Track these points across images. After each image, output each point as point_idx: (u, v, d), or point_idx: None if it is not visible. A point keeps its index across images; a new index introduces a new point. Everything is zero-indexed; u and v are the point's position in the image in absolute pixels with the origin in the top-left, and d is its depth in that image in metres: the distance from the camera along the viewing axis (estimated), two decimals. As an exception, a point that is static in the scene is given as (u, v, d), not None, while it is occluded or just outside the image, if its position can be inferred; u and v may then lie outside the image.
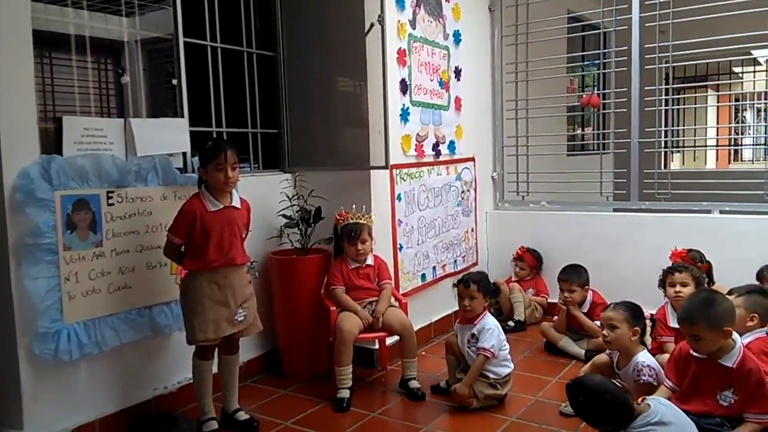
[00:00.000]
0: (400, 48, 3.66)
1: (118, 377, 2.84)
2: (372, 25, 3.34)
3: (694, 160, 10.22)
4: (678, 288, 3.19)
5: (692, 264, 3.43)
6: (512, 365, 3.10)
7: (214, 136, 3.36)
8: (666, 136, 4.58)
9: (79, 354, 2.58)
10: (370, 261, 3.37)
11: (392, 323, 3.22)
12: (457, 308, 3.19)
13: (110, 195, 2.73)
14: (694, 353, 2.45)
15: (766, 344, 2.72)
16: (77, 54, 2.82)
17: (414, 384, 3.21)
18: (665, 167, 5.76)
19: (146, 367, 2.96)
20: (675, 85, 4.80)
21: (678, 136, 6.26)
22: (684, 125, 8.26)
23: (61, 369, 2.58)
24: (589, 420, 2.20)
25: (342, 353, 3.10)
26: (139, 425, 1.61)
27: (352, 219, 3.32)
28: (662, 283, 3.33)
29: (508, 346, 3.10)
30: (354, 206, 3.38)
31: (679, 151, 8.38)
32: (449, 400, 3.07)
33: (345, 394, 3.09)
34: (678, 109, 6.17)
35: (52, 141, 2.57)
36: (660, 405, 2.16)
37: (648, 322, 2.87)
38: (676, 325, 2.92)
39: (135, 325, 2.83)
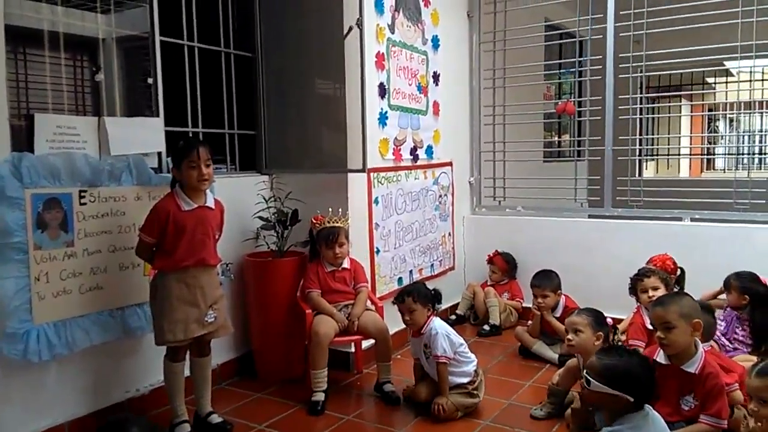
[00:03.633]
0: (378, 52, 3.68)
1: (89, 379, 2.80)
2: (350, 28, 3.34)
3: (668, 168, 10.40)
4: (650, 293, 3.24)
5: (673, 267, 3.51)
6: (475, 358, 3.11)
7: (190, 135, 3.33)
8: (639, 145, 4.65)
9: (49, 355, 2.54)
10: (346, 264, 3.36)
11: (368, 327, 3.22)
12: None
13: (83, 194, 2.70)
14: (659, 359, 2.52)
15: (716, 356, 2.79)
16: (51, 50, 2.78)
17: (389, 387, 3.21)
18: (639, 175, 5.85)
19: (118, 369, 2.92)
20: (648, 95, 4.87)
21: (651, 145, 6.36)
22: (658, 134, 8.41)
23: (30, 370, 2.54)
24: (615, 377, 2.19)
25: (317, 356, 3.09)
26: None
27: (329, 222, 3.31)
28: (633, 290, 3.39)
29: (463, 342, 3.09)
30: (330, 209, 3.37)
31: (653, 160, 8.51)
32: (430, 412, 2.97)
33: (320, 397, 3.08)
34: (652, 118, 6.27)
35: (23, 138, 2.53)
36: (651, 410, 2.23)
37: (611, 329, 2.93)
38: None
39: (106, 327, 2.79)
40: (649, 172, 10.27)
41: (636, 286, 3.35)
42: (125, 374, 2.95)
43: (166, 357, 2.76)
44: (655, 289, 3.25)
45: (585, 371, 2.28)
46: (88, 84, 3.02)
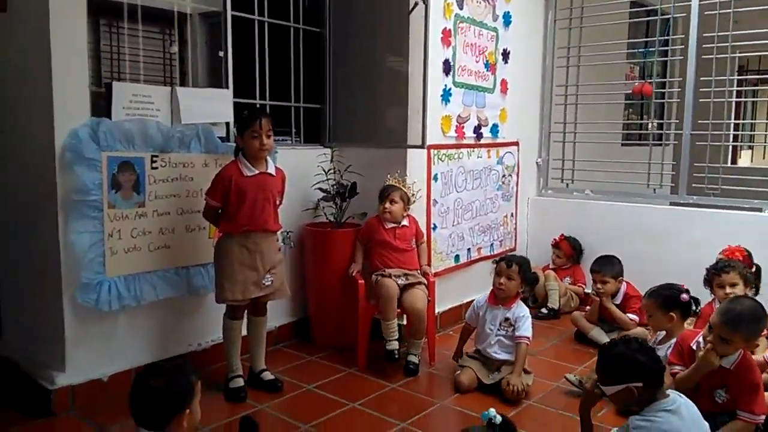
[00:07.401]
0: (445, 28, 3.67)
1: (154, 331, 3.02)
2: (416, 3, 3.35)
3: (764, 158, 9.73)
4: (728, 289, 3.05)
5: (746, 261, 3.33)
6: None
7: (257, 107, 3.46)
8: (725, 130, 4.34)
9: (119, 305, 2.76)
10: (405, 222, 3.42)
11: (404, 305, 3.25)
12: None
13: (154, 159, 2.89)
14: (696, 348, 2.50)
15: None
16: (128, 22, 2.96)
17: (412, 358, 3.26)
18: (728, 162, 5.48)
19: (181, 324, 3.13)
20: (732, 77, 4.56)
21: (737, 130, 5.92)
22: (743, 119, 7.83)
23: (101, 318, 2.77)
24: (616, 372, 2.13)
25: (387, 308, 3.19)
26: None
27: (394, 182, 3.40)
28: (708, 283, 3.22)
29: None
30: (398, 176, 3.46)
31: (734, 146, 7.98)
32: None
33: (394, 345, 3.21)
34: (737, 103, 5.80)
35: (102, 105, 2.73)
36: (679, 398, 2.15)
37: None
38: None
39: (172, 283, 2.99)
40: (743, 161, 9.65)
41: (712, 280, 3.17)
42: (188, 329, 3.16)
43: (225, 315, 2.94)
44: (734, 285, 3.07)
45: (596, 383, 2.21)
46: (161, 55, 3.19)
